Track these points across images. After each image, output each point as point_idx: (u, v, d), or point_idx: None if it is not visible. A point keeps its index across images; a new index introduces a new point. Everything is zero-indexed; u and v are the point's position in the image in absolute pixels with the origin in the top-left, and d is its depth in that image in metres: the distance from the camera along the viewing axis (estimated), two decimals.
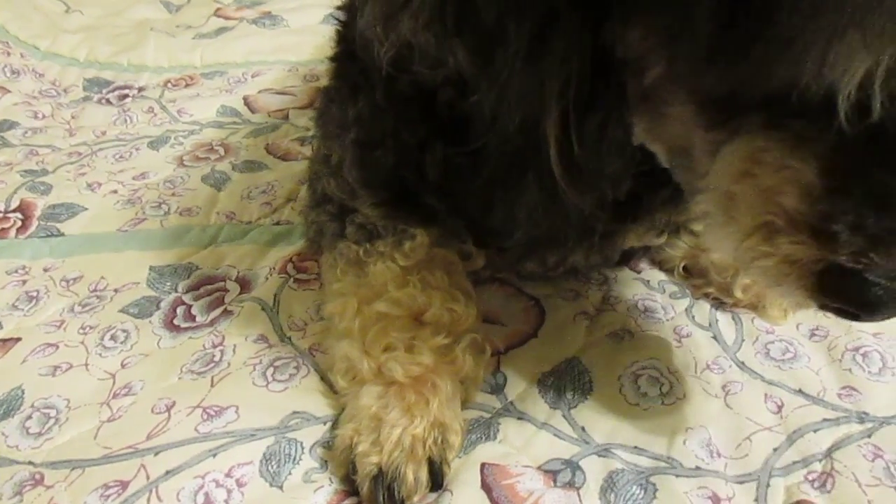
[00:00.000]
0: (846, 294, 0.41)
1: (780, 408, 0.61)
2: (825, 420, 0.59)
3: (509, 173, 0.49)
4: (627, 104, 0.45)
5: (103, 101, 1.26)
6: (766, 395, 0.62)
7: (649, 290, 0.75)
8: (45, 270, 0.83)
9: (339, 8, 0.70)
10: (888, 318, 0.42)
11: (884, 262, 0.39)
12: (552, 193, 0.46)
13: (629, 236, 0.67)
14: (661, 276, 0.77)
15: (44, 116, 1.21)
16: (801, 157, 0.39)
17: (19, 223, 0.91)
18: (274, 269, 0.79)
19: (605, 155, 0.45)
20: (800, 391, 0.62)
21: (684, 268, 0.75)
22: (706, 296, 0.73)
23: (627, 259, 0.77)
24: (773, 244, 0.42)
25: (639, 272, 0.77)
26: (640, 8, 0.40)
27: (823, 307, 0.43)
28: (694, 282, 0.74)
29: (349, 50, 0.64)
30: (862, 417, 0.59)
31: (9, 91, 1.26)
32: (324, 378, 0.65)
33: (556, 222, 0.51)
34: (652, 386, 0.63)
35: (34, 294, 0.79)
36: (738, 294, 0.69)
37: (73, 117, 1.21)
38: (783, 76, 0.34)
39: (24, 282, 0.81)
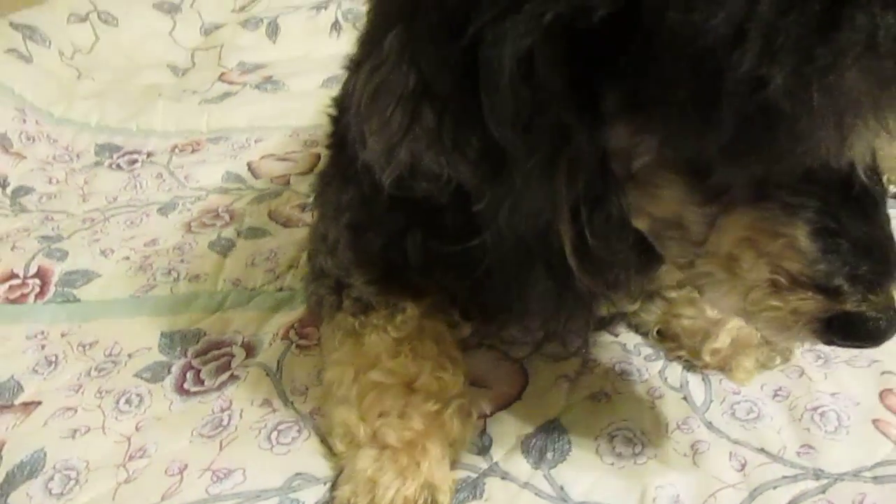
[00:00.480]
0: (854, 334, 0.49)
1: (743, 466, 0.66)
2: (784, 477, 0.65)
3: (519, 268, 0.53)
4: (622, 191, 0.50)
5: (114, 166, 1.33)
6: (731, 453, 0.67)
7: (626, 353, 0.80)
8: (63, 335, 0.88)
9: (333, 99, 0.77)
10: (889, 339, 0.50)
11: (880, 299, 0.47)
12: (564, 282, 0.52)
13: (605, 304, 0.73)
14: (638, 339, 0.82)
15: (58, 182, 1.28)
16: (794, 225, 0.47)
17: (38, 289, 0.97)
18: (277, 334, 0.85)
19: (615, 241, 0.51)
20: (762, 450, 0.68)
21: (658, 332, 0.80)
22: (678, 358, 0.78)
23: (605, 324, 0.82)
24: (780, 298, 0.49)
25: (616, 336, 0.83)
26: (639, 115, 0.46)
27: (830, 343, 0.50)
28: (667, 345, 0.80)
29: (341, 139, 0.70)
30: (818, 474, 0.65)
31: (24, 157, 1.32)
32: (324, 440, 0.70)
33: (568, 306, 0.56)
34: (626, 446, 0.68)
35: (53, 359, 0.85)
36: (707, 358, 0.75)
37: (85, 182, 1.27)
38: (803, 165, 0.42)
39: (44, 346, 0.87)
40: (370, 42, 0.52)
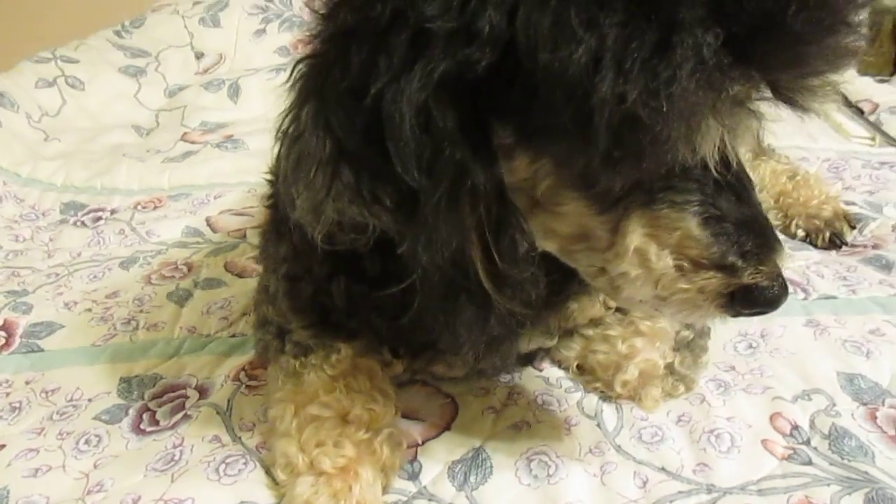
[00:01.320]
0: (755, 302, 0.57)
1: (645, 483, 0.73)
2: (680, 492, 0.72)
3: (445, 300, 0.59)
4: (522, 216, 0.57)
5: (79, 223, 1.40)
6: (635, 472, 0.75)
7: (548, 386, 0.88)
8: (27, 383, 0.94)
9: (269, 173, 0.85)
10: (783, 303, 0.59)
11: (768, 269, 0.56)
12: (486, 307, 0.58)
13: (522, 339, 0.80)
14: (560, 373, 0.90)
15: (24, 239, 1.34)
16: (684, 219, 0.55)
17: (3, 340, 1.03)
18: (228, 376, 0.91)
19: (521, 262, 0.58)
20: (663, 468, 0.75)
21: (577, 366, 0.88)
22: (595, 389, 0.86)
23: (530, 359, 0.90)
24: (687, 281, 0.57)
25: (541, 371, 0.91)
26: (533, 143, 0.54)
27: (737, 315, 0.58)
28: (585, 378, 0.87)
29: (277, 201, 0.78)
30: (710, 489, 0.72)
31: None
32: (268, 472, 0.76)
33: (493, 330, 0.61)
34: (542, 469, 0.75)
35: (17, 405, 0.90)
36: (618, 389, 0.83)
37: (51, 239, 1.34)
38: (667, 162, 0.50)
39: (8, 394, 0.92)
40: (291, 114, 0.58)
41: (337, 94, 0.54)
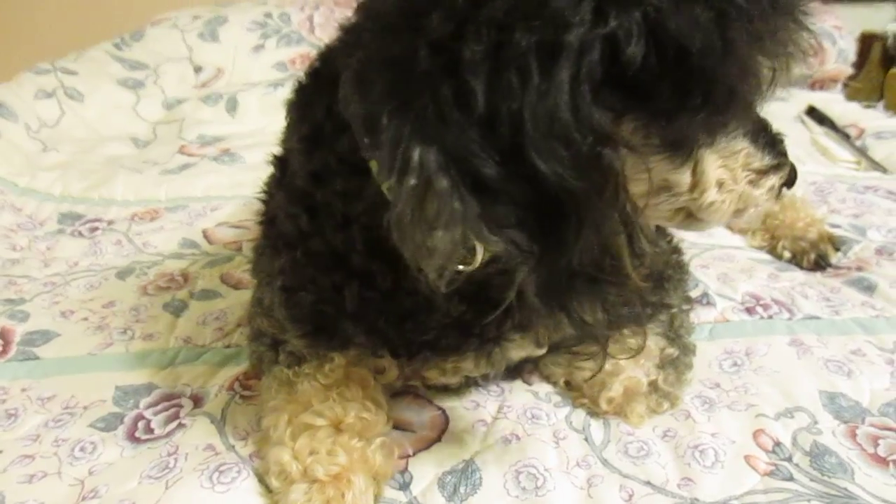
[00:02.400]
0: (792, 182, 0.73)
1: (630, 496, 0.75)
2: None
3: (570, 295, 0.59)
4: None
5: (76, 233, 1.41)
6: (621, 486, 0.76)
7: (537, 400, 0.90)
8: (23, 390, 0.95)
9: (265, 183, 0.86)
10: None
11: (788, 159, 0.72)
12: (615, 289, 0.60)
13: (513, 347, 0.82)
14: (549, 388, 0.92)
15: (21, 248, 1.35)
16: (740, 143, 0.67)
17: (0, 348, 1.04)
18: (223, 386, 0.93)
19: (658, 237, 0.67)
20: (648, 482, 0.77)
21: (565, 382, 0.90)
22: (583, 405, 0.88)
23: (520, 371, 0.92)
24: (758, 187, 0.69)
25: (530, 385, 0.93)
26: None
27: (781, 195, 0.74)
28: (573, 394, 0.89)
29: (271, 217, 0.80)
30: (694, 502, 0.74)
31: None
32: (261, 480, 0.78)
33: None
34: (529, 481, 0.77)
35: (13, 412, 0.91)
36: (604, 405, 0.85)
37: (48, 249, 1.35)
38: (744, 106, 0.61)
39: (4, 401, 0.93)
40: (398, 159, 0.51)
41: (462, 130, 0.51)
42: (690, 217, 0.69)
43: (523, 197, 0.52)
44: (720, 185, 0.67)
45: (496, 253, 0.55)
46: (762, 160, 0.69)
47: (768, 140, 0.69)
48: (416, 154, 0.50)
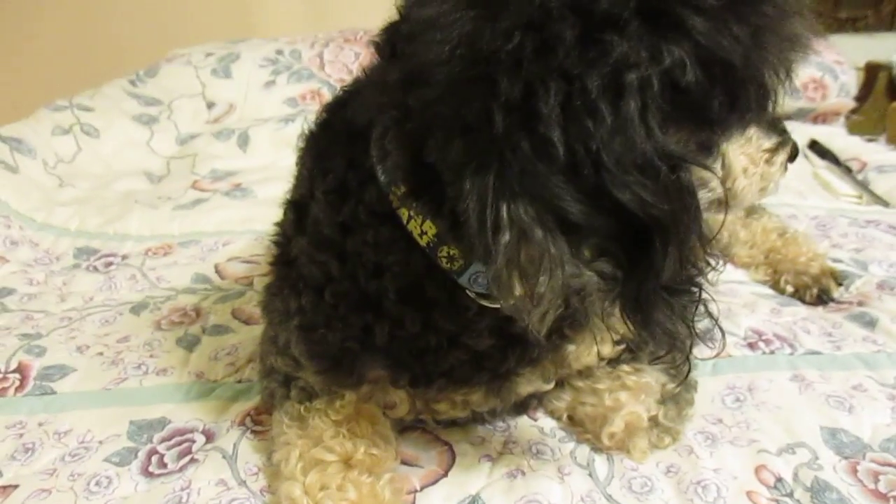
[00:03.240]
0: (795, 155, 0.81)
1: None
2: None
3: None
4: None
5: (91, 268, 1.44)
6: None
7: (542, 435, 0.92)
8: (40, 425, 0.97)
9: (277, 225, 0.88)
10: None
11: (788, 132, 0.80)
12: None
13: (521, 381, 0.84)
14: (553, 423, 0.93)
15: (38, 283, 1.39)
16: (750, 130, 0.73)
17: (18, 382, 1.06)
18: (235, 421, 0.95)
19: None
20: None
21: (568, 417, 0.92)
22: (586, 440, 0.90)
23: (525, 407, 0.94)
24: (773, 164, 0.76)
25: (535, 420, 0.94)
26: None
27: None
28: (576, 429, 0.91)
29: (286, 259, 0.82)
30: None
31: (8, 261, 1.44)
32: None
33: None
34: None
35: (30, 446, 0.93)
36: (605, 441, 0.86)
37: (64, 284, 1.38)
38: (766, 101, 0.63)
39: (21, 435, 0.96)
40: (490, 212, 0.54)
41: (547, 180, 0.54)
42: (722, 205, 0.74)
43: (608, 230, 0.56)
44: (744, 171, 0.73)
45: (584, 286, 0.58)
46: (771, 140, 0.76)
47: (769, 121, 0.75)
48: (504, 210, 0.53)
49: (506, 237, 0.54)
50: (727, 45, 0.55)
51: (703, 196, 0.69)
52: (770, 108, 0.66)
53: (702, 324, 0.72)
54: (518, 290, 0.57)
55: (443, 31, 0.55)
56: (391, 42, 0.68)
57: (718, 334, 0.72)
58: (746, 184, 0.74)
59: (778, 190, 0.81)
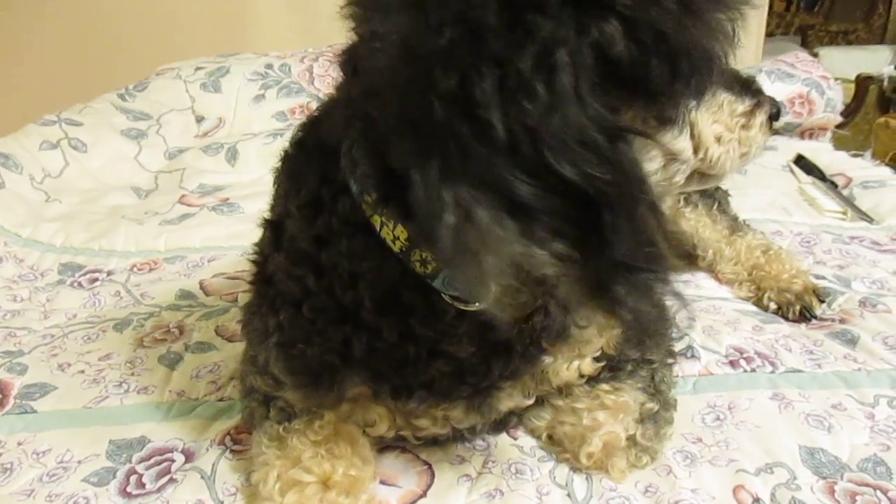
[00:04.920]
0: (778, 115, 0.79)
1: None
2: None
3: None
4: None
5: (75, 284, 1.44)
6: None
7: (522, 454, 0.91)
8: (19, 444, 0.97)
9: (255, 245, 0.88)
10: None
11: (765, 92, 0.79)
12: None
13: (502, 396, 0.84)
14: (533, 442, 0.93)
15: (22, 300, 1.38)
16: (721, 95, 0.73)
17: None
18: (215, 441, 0.94)
19: None
20: None
21: (548, 436, 0.92)
22: (566, 460, 0.90)
23: (505, 425, 0.94)
24: (751, 128, 0.76)
25: (515, 439, 0.94)
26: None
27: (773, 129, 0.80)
28: (555, 448, 0.91)
29: (265, 277, 0.82)
30: None
31: None
32: None
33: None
34: None
35: (8, 466, 0.93)
36: (584, 461, 0.86)
37: (48, 300, 1.38)
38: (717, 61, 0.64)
39: (0, 454, 0.95)
40: (447, 205, 0.54)
41: (488, 161, 0.54)
42: (704, 176, 0.75)
43: (558, 208, 0.55)
44: (718, 139, 0.73)
45: (537, 266, 0.57)
46: (744, 103, 0.75)
47: (741, 83, 0.75)
48: (446, 194, 0.53)
49: (450, 219, 0.53)
50: (655, 15, 0.57)
51: (679, 170, 0.71)
52: (719, 72, 0.66)
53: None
54: (469, 273, 0.57)
55: (382, 39, 0.58)
56: (352, 60, 0.69)
57: (687, 316, 0.68)
58: (722, 151, 0.74)
59: (762, 153, 0.82)
